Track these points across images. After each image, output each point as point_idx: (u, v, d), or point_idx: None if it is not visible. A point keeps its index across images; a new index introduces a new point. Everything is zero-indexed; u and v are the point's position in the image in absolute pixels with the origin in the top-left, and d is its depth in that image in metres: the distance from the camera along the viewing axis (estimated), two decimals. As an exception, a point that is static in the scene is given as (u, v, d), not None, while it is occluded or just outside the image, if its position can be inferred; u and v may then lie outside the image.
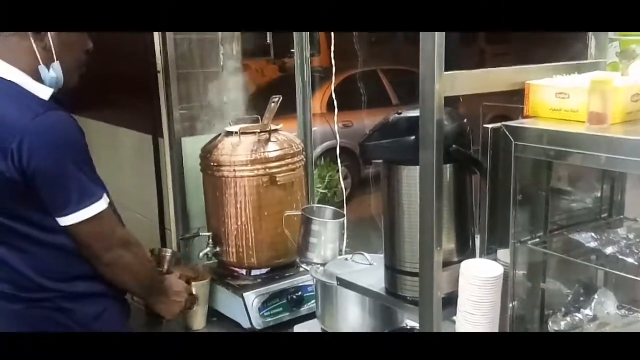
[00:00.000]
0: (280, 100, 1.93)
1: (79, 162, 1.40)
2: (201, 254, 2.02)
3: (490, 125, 1.32)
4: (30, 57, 1.40)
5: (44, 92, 1.40)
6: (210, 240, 2.04)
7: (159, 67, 2.05)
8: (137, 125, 2.31)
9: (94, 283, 1.51)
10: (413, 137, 1.29)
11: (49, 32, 1.40)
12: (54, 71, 1.42)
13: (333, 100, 2.14)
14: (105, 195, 1.45)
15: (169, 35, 2.02)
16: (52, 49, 1.42)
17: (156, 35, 2.02)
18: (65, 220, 1.40)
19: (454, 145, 1.29)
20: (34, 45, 1.39)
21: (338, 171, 2.24)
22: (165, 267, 1.81)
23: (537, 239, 1.36)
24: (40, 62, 1.41)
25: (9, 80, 1.39)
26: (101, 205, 1.42)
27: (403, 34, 7.47)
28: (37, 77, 1.41)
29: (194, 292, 1.81)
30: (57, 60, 1.43)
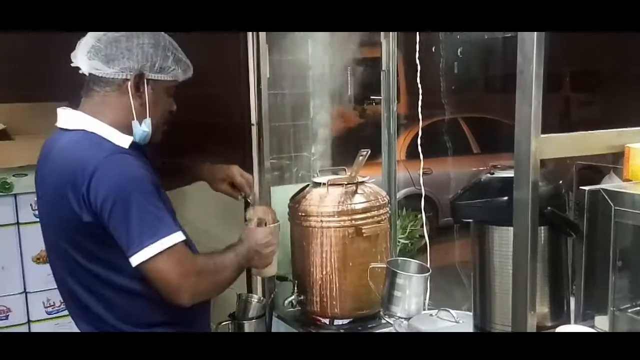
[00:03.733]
0: (368, 154, 1.97)
1: (144, 197, 1.39)
2: (286, 302, 2.06)
3: (587, 188, 1.30)
4: (125, 112, 1.50)
5: (124, 141, 1.47)
6: (295, 288, 2.08)
7: (254, 120, 2.15)
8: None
9: (179, 330, 1.53)
10: (506, 198, 1.29)
11: (146, 91, 1.50)
12: (145, 126, 1.52)
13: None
14: (171, 235, 1.40)
15: (264, 90, 2.12)
16: (147, 105, 1.52)
17: (252, 91, 2.13)
18: (134, 260, 1.38)
19: (549, 208, 1.28)
20: (132, 102, 1.49)
21: (421, 225, 2.23)
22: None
23: (638, 307, 1.30)
24: (134, 118, 1.50)
25: (92, 132, 1.47)
26: (170, 240, 1.39)
27: (485, 82, 7.41)
28: (122, 129, 1.49)
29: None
30: (148, 117, 1.52)
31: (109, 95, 1.50)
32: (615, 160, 1.39)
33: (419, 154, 2.22)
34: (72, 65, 1.51)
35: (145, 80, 1.50)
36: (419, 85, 2.17)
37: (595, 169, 1.45)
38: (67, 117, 1.51)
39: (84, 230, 1.41)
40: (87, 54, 1.48)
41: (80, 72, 1.51)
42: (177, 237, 1.41)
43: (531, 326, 1.22)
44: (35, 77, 2.42)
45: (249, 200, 1.86)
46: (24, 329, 2.54)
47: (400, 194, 4.80)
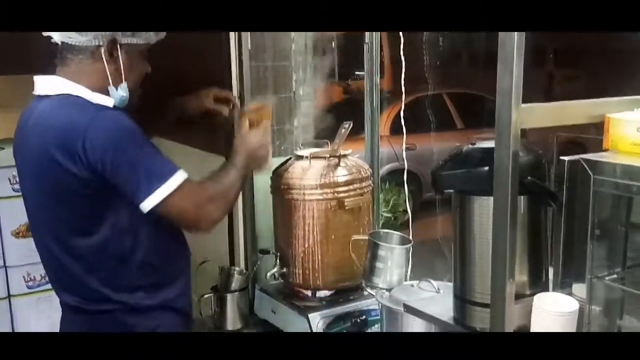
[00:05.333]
0: (350, 127, 1.96)
1: (140, 145, 1.44)
2: (268, 275, 2.07)
3: (567, 158, 1.30)
4: (102, 77, 1.50)
5: (108, 102, 1.50)
6: (278, 260, 2.08)
7: (236, 92, 2.13)
8: (211, 147, 2.39)
9: (156, 294, 1.57)
10: (487, 168, 1.29)
11: (120, 56, 1.50)
12: (122, 90, 1.52)
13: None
14: (178, 172, 1.45)
15: (246, 62, 2.10)
16: (122, 70, 1.52)
17: (234, 63, 2.11)
18: (146, 204, 1.42)
19: (529, 177, 1.28)
20: (107, 67, 1.50)
21: (404, 199, 2.24)
22: None
23: (615, 275, 1.32)
24: (110, 83, 1.51)
25: (76, 95, 1.48)
26: (177, 179, 1.44)
27: (469, 57, 7.41)
28: (104, 93, 1.51)
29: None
30: (124, 81, 1.53)
31: (83, 63, 1.50)
32: (600, 133, 1.40)
33: (402, 129, 2.21)
34: (45, 34, 1.48)
35: (118, 45, 1.51)
36: (402, 59, 2.16)
37: (577, 142, 1.45)
38: (48, 84, 1.51)
39: (78, 188, 1.43)
40: None
41: (53, 41, 1.49)
42: (182, 174, 1.46)
43: (510, 294, 1.24)
44: (10, 50, 2.37)
45: (233, 114, 1.84)
46: (4, 303, 2.54)
47: (385, 169, 4.83)
